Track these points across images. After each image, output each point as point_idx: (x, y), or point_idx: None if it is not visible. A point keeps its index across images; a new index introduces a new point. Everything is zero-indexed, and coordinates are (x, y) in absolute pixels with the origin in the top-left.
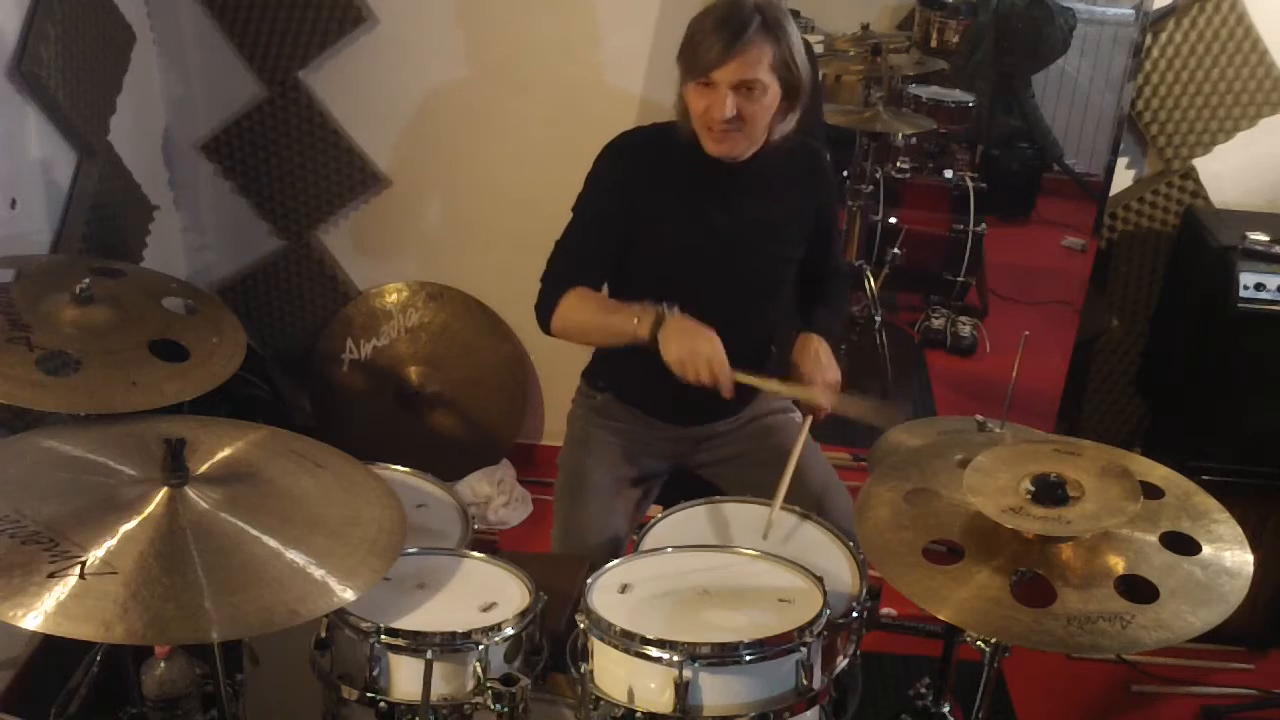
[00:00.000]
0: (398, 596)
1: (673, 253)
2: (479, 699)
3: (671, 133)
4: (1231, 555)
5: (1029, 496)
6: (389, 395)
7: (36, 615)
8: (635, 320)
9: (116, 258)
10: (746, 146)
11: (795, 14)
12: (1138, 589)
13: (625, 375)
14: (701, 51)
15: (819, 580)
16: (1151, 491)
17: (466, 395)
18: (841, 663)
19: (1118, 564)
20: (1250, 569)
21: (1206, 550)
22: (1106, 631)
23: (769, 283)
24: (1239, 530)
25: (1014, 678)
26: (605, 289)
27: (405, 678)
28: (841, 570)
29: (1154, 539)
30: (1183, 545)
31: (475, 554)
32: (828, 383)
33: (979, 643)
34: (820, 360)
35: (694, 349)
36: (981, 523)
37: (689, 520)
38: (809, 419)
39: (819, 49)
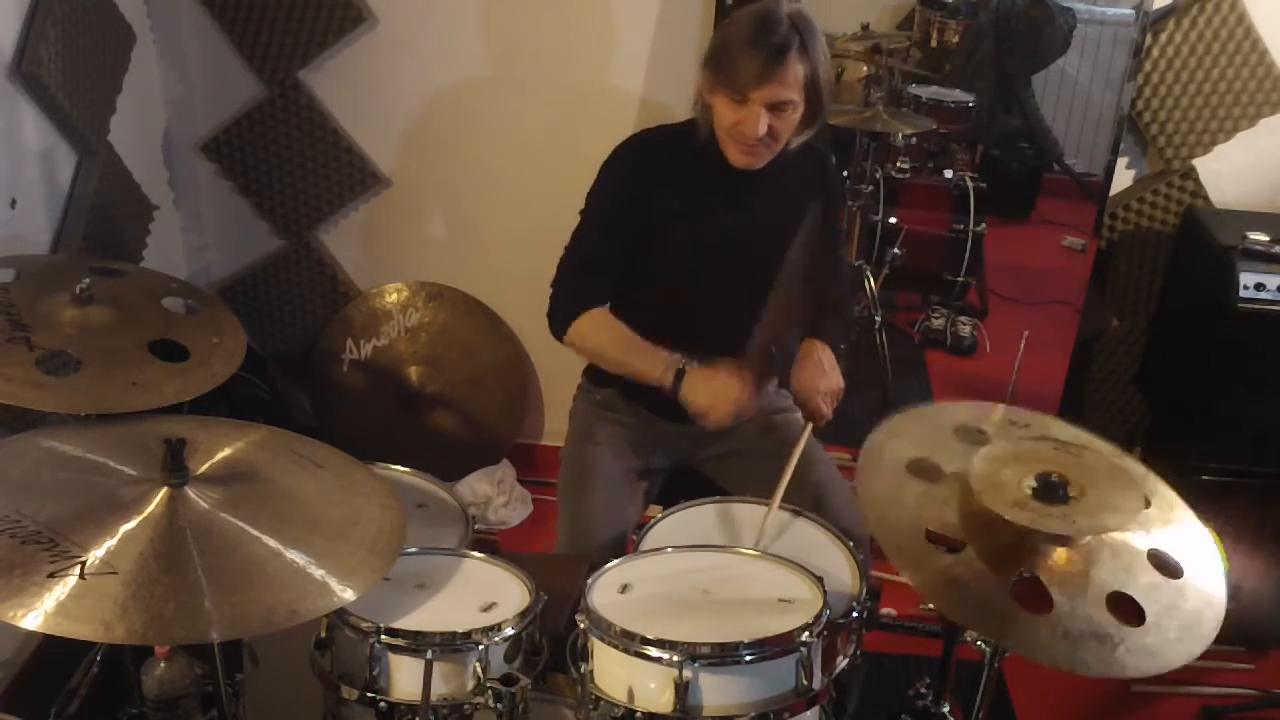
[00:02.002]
0: (398, 596)
1: (679, 252)
2: (479, 699)
3: (679, 133)
4: (1208, 585)
5: (1031, 493)
6: (389, 395)
7: (36, 615)
8: (659, 373)
9: (116, 258)
10: (769, 158)
11: None
12: (1126, 608)
13: None
14: (739, 69)
15: (819, 580)
16: None
17: (466, 395)
18: (841, 663)
19: (1109, 580)
20: (1223, 601)
21: (1188, 574)
22: (1094, 650)
23: (771, 283)
24: (1220, 553)
25: (1014, 678)
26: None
27: (405, 678)
28: (841, 570)
29: (1143, 555)
30: (1168, 567)
31: (475, 554)
32: (830, 390)
33: (979, 643)
34: (823, 368)
35: (716, 400)
36: (982, 520)
37: (689, 520)
38: (809, 425)
39: None
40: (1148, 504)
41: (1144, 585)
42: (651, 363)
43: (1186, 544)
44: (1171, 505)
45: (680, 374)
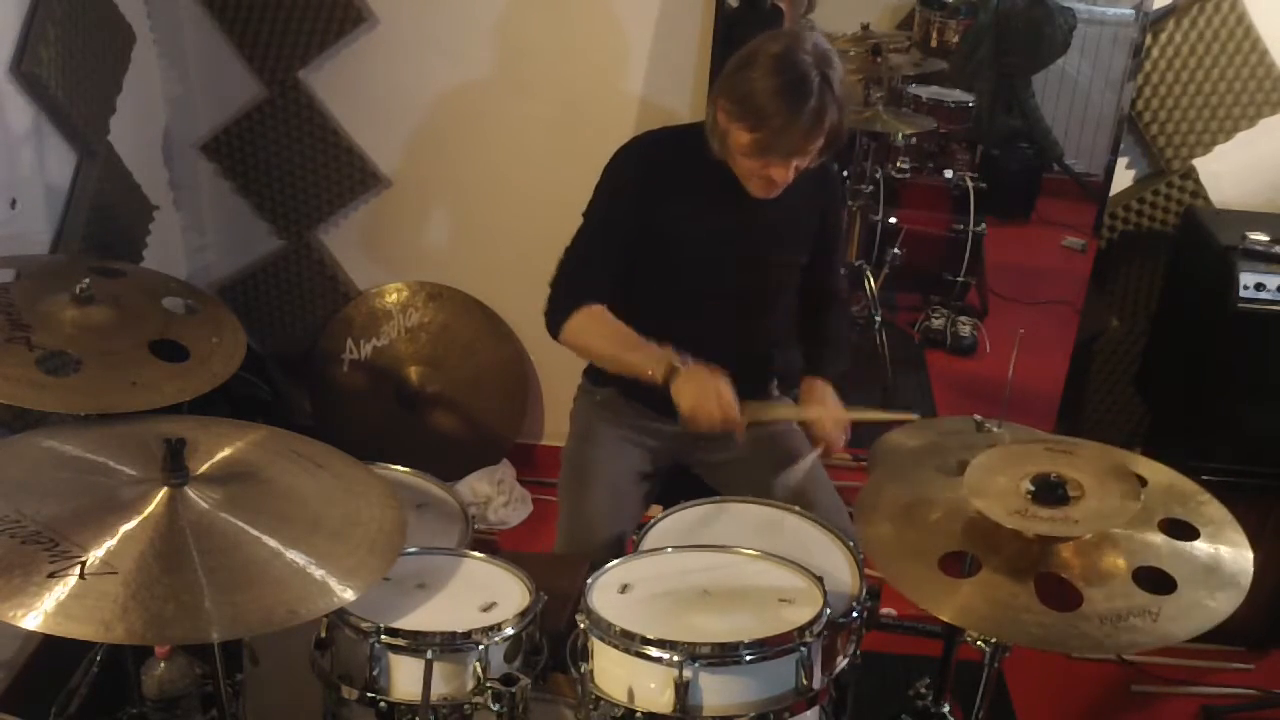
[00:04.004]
0: (398, 596)
1: (680, 255)
2: (479, 699)
3: (684, 135)
4: (1227, 536)
5: (1030, 497)
6: (389, 395)
7: (36, 615)
8: (650, 370)
9: (116, 258)
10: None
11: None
12: (1153, 582)
13: None
14: (776, 135)
15: (819, 580)
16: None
17: (466, 395)
18: (841, 663)
19: (1129, 558)
20: (1247, 547)
21: (1204, 534)
22: (1139, 627)
23: (773, 287)
24: (1226, 512)
25: (1014, 678)
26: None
27: (405, 678)
28: (841, 570)
29: (1154, 528)
30: (1181, 532)
31: (475, 554)
32: (838, 421)
33: (979, 643)
34: (827, 404)
35: (704, 399)
36: (987, 535)
37: (690, 520)
38: (819, 448)
39: None
40: (1144, 482)
41: (1166, 555)
42: (646, 359)
43: (1191, 506)
44: (1166, 476)
45: (673, 371)
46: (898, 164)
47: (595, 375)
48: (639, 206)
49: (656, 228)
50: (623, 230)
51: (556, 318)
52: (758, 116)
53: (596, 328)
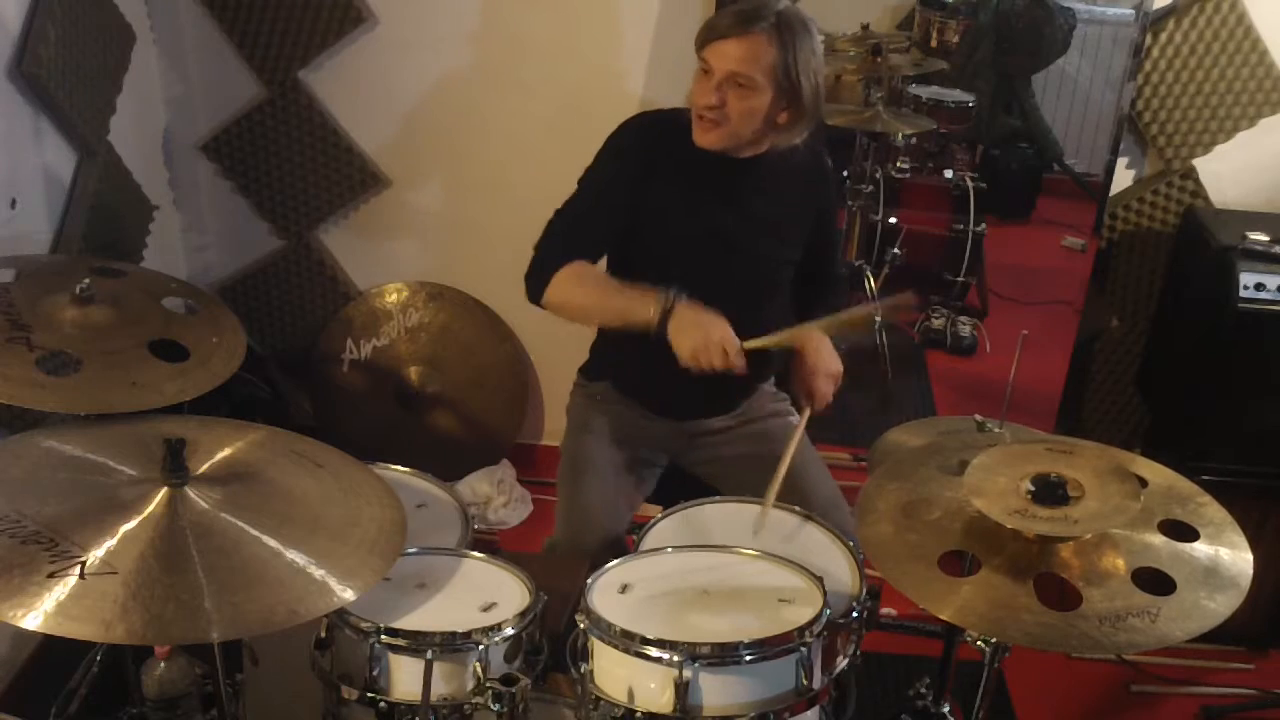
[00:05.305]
0: (398, 596)
1: (671, 244)
2: (479, 699)
3: (685, 120)
4: (1227, 538)
5: (1030, 497)
6: (389, 395)
7: (36, 615)
8: (646, 309)
9: (116, 258)
10: (728, 143)
11: None
12: (1153, 583)
13: (623, 370)
14: (707, 29)
15: (819, 580)
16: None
17: (466, 395)
18: (841, 663)
19: (1129, 559)
20: (1247, 550)
21: (1204, 536)
22: (1139, 628)
23: (765, 281)
24: (1225, 513)
25: (1014, 678)
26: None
27: (405, 678)
28: (841, 570)
29: (1154, 529)
30: (1181, 533)
31: (475, 554)
32: (829, 373)
33: (979, 643)
34: (821, 352)
35: (705, 340)
36: (988, 535)
37: (689, 520)
38: (806, 411)
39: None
40: (1144, 483)
41: (1165, 556)
42: (634, 302)
43: (1191, 508)
44: (1166, 478)
45: (667, 312)
46: (898, 164)
47: (590, 370)
48: (633, 182)
49: (648, 209)
50: (614, 198)
51: (542, 275)
52: (707, 20)
53: (580, 280)
